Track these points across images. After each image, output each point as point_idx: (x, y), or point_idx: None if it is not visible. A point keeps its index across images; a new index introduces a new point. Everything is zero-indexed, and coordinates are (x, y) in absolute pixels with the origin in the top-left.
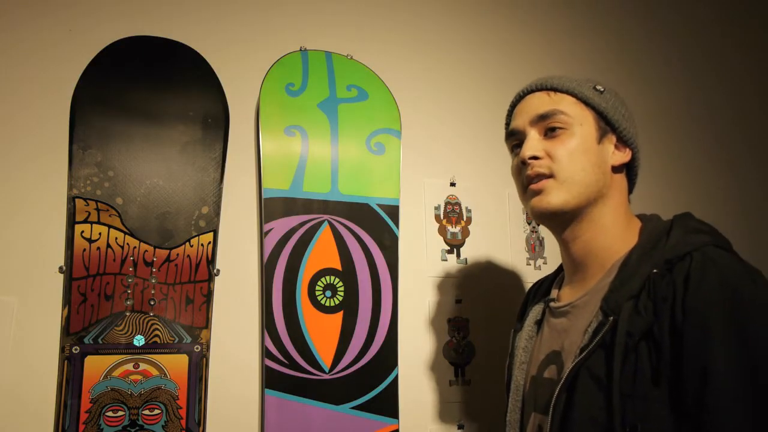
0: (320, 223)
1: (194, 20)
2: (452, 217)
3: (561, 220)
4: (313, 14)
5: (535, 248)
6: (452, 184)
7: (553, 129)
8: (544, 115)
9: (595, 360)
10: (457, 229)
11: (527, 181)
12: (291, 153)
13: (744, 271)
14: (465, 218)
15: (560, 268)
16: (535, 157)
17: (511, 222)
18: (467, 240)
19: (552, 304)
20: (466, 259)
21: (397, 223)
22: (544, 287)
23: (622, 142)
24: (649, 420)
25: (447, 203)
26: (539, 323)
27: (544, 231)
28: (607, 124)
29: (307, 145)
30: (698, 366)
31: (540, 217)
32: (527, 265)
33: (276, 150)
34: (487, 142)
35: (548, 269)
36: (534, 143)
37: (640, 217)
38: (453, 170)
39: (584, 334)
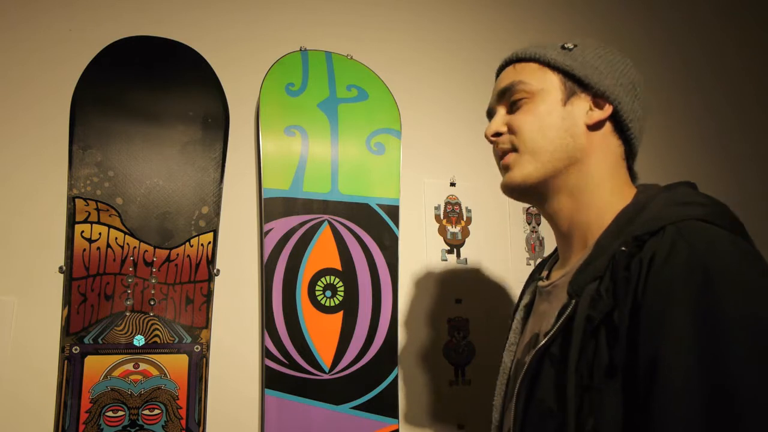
0: (320, 223)
1: (194, 20)
2: (452, 217)
3: (534, 194)
4: (313, 14)
5: (535, 248)
6: (452, 184)
7: (516, 101)
8: (505, 89)
9: (557, 346)
10: (457, 229)
11: (498, 159)
12: (291, 153)
13: (731, 251)
14: (465, 218)
15: None
16: (498, 134)
17: (511, 222)
18: (467, 240)
19: (539, 284)
20: (466, 259)
21: (397, 223)
22: (540, 266)
23: (600, 97)
24: (603, 415)
25: (447, 203)
26: (530, 304)
27: (544, 231)
28: (575, 83)
29: (307, 145)
30: (649, 355)
31: (509, 193)
32: (527, 265)
33: (276, 150)
34: (487, 142)
35: None
36: (496, 120)
37: (639, 187)
38: (453, 170)
39: (554, 318)
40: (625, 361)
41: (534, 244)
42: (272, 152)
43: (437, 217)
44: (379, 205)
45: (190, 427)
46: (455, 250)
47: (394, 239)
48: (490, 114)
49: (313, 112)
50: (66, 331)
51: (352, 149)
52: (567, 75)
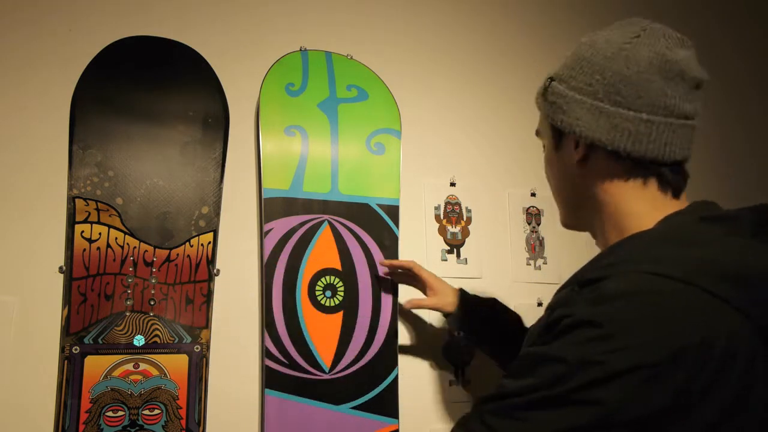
0: (320, 223)
1: (194, 20)
2: (452, 217)
3: (578, 229)
4: (313, 14)
5: (535, 248)
6: (452, 184)
7: None
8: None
9: None
10: (457, 229)
11: None
12: (291, 153)
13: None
14: (465, 218)
15: None
16: None
17: (511, 222)
18: (467, 240)
19: None
20: (466, 259)
21: (397, 223)
22: None
23: (571, 135)
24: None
25: (447, 203)
26: None
27: (544, 231)
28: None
29: (307, 145)
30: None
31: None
32: (527, 265)
33: (276, 150)
34: (487, 142)
35: (548, 269)
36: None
37: (688, 208)
38: (453, 170)
39: None
40: None
41: (534, 244)
42: (272, 152)
43: (437, 217)
44: (379, 205)
45: (190, 427)
46: (455, 250)
47: (394, 239)
48: None
49: (313, 112)
50: (66, 331)
51: (352, 149)
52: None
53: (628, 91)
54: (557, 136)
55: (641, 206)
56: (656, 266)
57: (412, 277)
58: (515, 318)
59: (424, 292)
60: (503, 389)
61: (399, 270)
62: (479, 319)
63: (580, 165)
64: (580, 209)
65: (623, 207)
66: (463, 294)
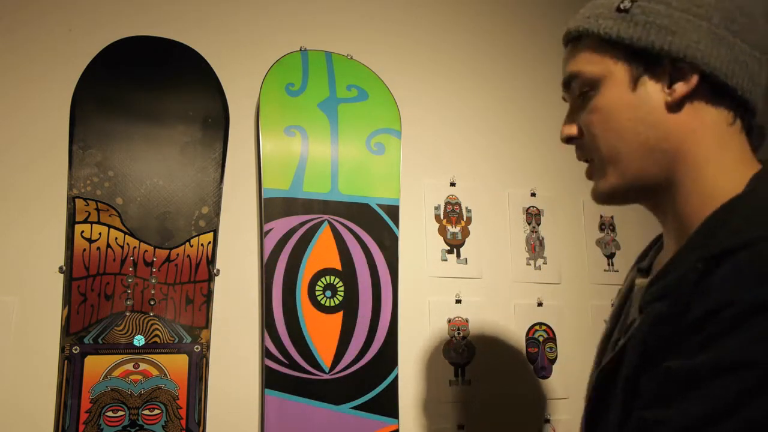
0: (320, 223)
1: (194, 20)
2: (452, 217)
3: (628, 198)
4: (313, 14)
5: (535, 248)
6: (452, 184)
7: (582, 94)
8: (567, 81)
9: (619, 368)
10: (457, 229)
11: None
12: (291, 153)
13: None
14: (465, 218)
15: None
16: (570, 138)
17: (511, 222)
18: (467, 240)
19: (636, 280)
20: (466, 259)
21: (397, 223)
22: (649, 248)
23: (679, 63)
24: None
25: (447, 203)
26: (628, 292)
27: (544, 231)
28: (643, 55)
29: (307, 145)
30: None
31: (601, 204)
32: (527, 265)
33: (276, 150)
34: (487, 142)
35: (548, 269)
36: (567, 120)
37: (764, 165)
38: (453, 170)
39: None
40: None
41: (534, 244)
42: (272, 152)
43: (437, 217)
44: (379, 205)
45: (190, 427)
46: (455, 250)
47: (394, 239)
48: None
49: (313, 112)
50: (66, 331)
51: (352, 149)
52: (630, 48)
53: (744, 22)
54: (637, 71)
55: (735, 162)
56: None
57: None
58: None
59: None
60: (666, 426)
61: None
62: None
63: (673, 106)
64: (646, 169)
65: (718, 162)
66: None
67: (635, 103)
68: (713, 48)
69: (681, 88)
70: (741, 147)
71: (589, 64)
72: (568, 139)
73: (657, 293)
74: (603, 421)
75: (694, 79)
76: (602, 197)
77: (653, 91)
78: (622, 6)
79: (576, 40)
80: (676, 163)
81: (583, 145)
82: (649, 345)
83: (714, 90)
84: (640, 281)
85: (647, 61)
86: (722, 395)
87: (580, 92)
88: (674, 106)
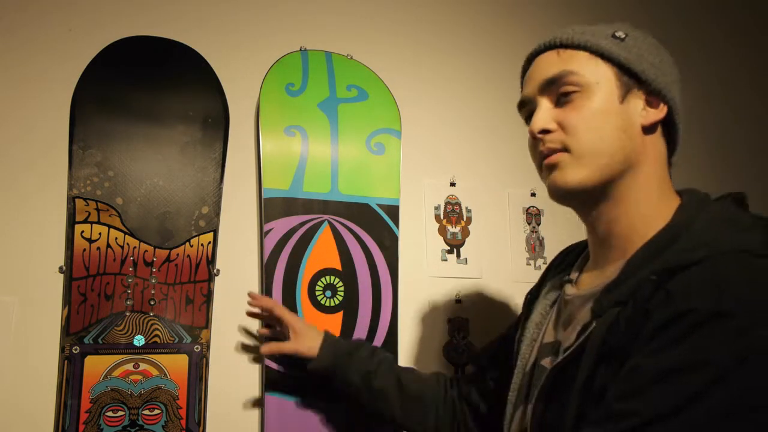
0: (320, 223)
1: (194, 20)
2: (452, 217)
3: (583, 199)
4: (313, 14)
5: (535, 248)
6: (452, 184)
7: (566, 94)
8: (553, 80)
9: (573, 366)
10: (457, 229)
11: (540, 156)
12: (291, 153)
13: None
14: (465, 218)
15: None
16: (546, 131)
17: (511, 222)
18: (467, 240)
19: (568, 289)
20: (466, 259)
21: (397, 223)
22: (569, 259)
23: (655, 95)
24: None
25: (447, 203)
26: (556, 300)
27: (544, 231)
28: (631, 78)
29: (307, 145)
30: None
31: (558, 196)
32: (527, 265)
33: (276, 150)
34: (487, 142)
35: None
36: (543, 114)
37: (681, 193)
38: (453, 170)
39: (575, 334)
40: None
41: (534, 244)
42: (272, 152)
43: (437, 217)
44: (379, 205)
45: (190, 427)
46: (455, 250)
47: (394, 239)
48: (526, 103)
49: (313, 112)
50: (66, 331)
51: (352, 149)
52: (622, 69)
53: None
54: (625, 88)
55: (667, 191)
56: (749, 246)
57: (274, 318)
58: (382, 359)
59: (287, 335)
60: (634, 420)
61: (262, 311)
62: (342, 364)
63: (645, 128)
64: (613, 174)
65: (657, 188)
66: (327, 338)
67: (622, 113)
68: (676, 93)
69: (653, 114)
70: (669, 181)
71: (585, 68)
72: (543, 131)
73: (614, 299)
74: (555, 420)
75: (663, 110)
76: (567, 188)
77: (634, 108)
78: (617, 34)
79: (566, 48)
80: (630, 177)
81: (557, 139)
82: (610, 345)
83: (665, 128)
84: (573, 290)
85: (633, 83)
86: (686, 388)
87: (563, 91)
88: (645, 128)
